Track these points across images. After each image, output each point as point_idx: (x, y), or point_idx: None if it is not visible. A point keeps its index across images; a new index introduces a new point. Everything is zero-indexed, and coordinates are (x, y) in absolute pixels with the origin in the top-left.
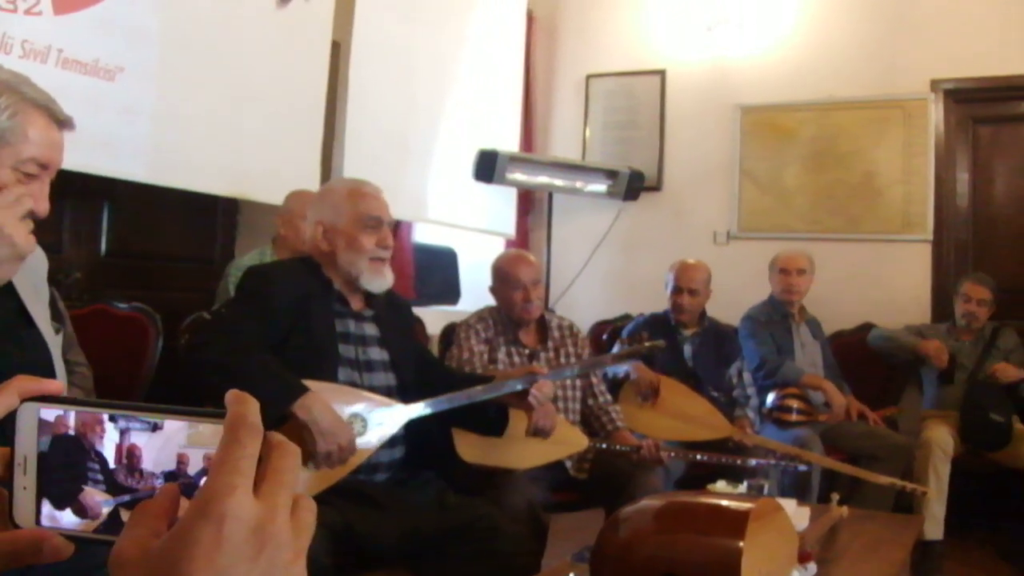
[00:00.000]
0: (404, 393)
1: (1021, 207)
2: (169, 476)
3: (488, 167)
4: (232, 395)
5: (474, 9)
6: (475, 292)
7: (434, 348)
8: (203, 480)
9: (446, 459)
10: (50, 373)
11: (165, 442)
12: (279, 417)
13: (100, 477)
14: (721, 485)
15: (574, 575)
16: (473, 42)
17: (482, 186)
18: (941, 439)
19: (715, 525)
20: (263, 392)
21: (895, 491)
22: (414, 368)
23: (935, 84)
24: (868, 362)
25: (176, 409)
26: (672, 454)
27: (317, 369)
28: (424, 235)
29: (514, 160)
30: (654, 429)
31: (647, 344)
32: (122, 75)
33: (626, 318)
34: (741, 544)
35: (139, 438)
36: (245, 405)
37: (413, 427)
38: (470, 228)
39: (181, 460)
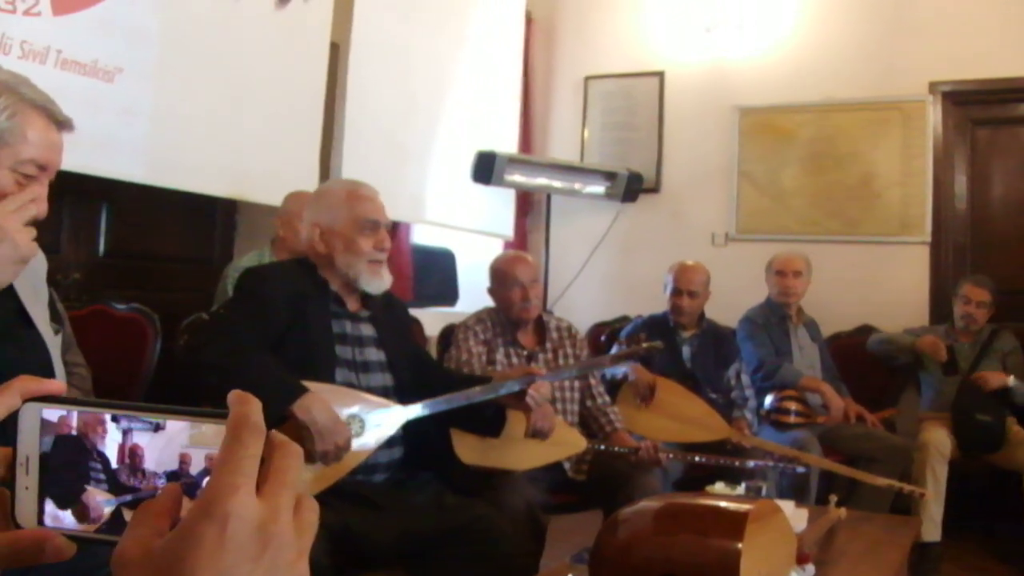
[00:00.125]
0: (401, 394)
1: (1019, 209)
2: (171, 476)
3: (486, 168)
4: (235, 395)
5: (473, 10)
6: (473, 293)
7: (432, 349)
8: (205, 480)
9: (444, 460)
10: (49, 374)
11: (167, 442)
12: (278, 417)
13: (102, 477)
14: (720, 487)
15: None
16: (472, 43)
17: (480, 187)
18: (938, 441)
19: (714, 526)
20: (262, 393)
21: (893, 493)
22: (411, 368)
23: (933, 86)
24: (866, 364)
25: (178, 409)
26: (670, 456)
27: (314, 370)
28: (422, 236)
29: (512, 161)
30: (652, 431)
31: (645, 345)
32: (121, 76)
33: (624, 320)
34: (740, 545)
35: (141, 438)
36: (248, 405)
37: (411, 428)
38: (468, 229)
39: (183, 460)
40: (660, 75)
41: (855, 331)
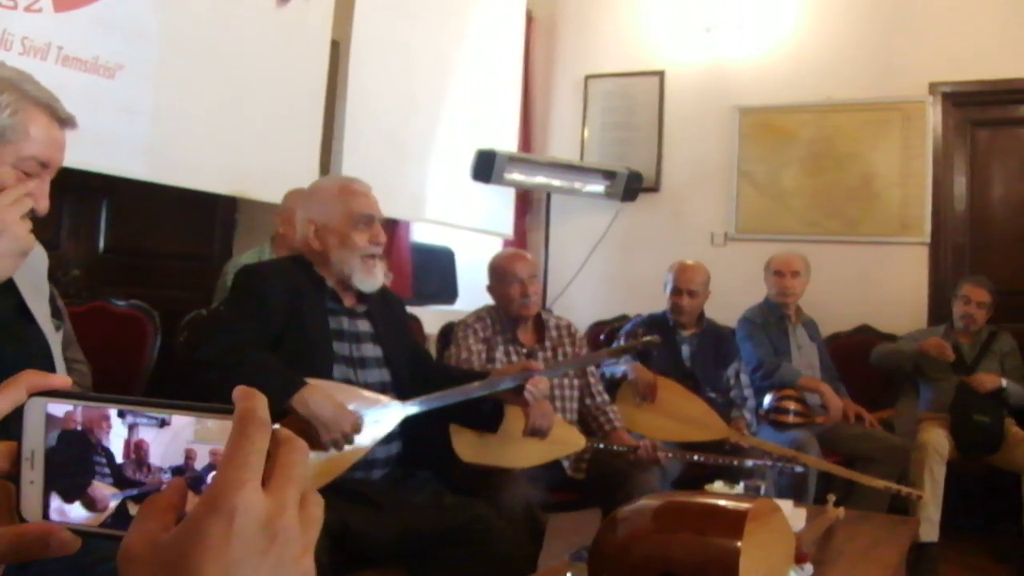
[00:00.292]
0: (399, 389)
1: (1018, 210)
2: (176, 471)
3: (486, 167)
4: (240, 391)
5: (473, 9)
6: (472, 292)
7: (432, 348)
8: (210, 475)
9: (443, 458)
10: (50, 369)
11: (173, 437)
12: (278, 412)
13: (107, 472)
14: (718, 485)
15: (571, 575)
16: (472, 42)
17: (480, 186)
18: (936, 441)
19: (713, 525)
20: (260, 389)
21: (891, 492)
22: (408, 364)
23: (933, 87)
24: (865, 364)
25: (184, 404)
26: (669, 454)
27: (312, 367)
28: (422, 235)
29: (512, 160)
30: (651, 429)
31: (642, 340)
32: (122, 73)
33: (623, 319)
34: (739, 544)
35: (147, 433)
36: (254, 401)
37: (409, 424)
38: (468, 228)
39: (189, 455)
40: (660, 75)
41: (854, 331)
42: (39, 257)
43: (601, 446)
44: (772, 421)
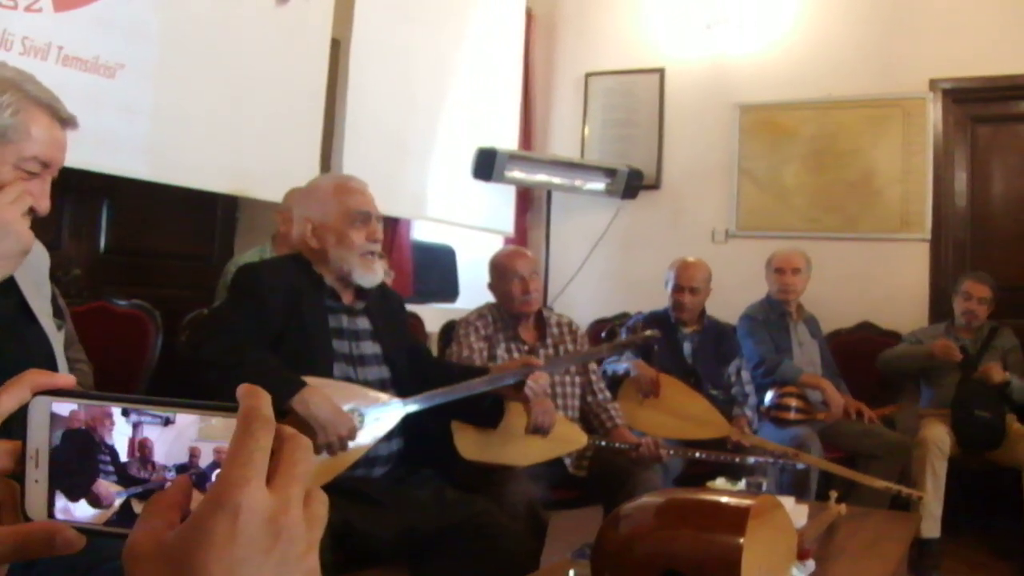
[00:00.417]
0: (399, 386)
1: (1019, 206)
2: (181, 469)
3: (487, 165)
4: (244, 389)
5: (473, 7)
6: (473, 290)
7: (433, 346)
8: (215, 473)
9: (445, 455)
10: (52, 369)
11: (177, 436)
12: (278, 412)
13: (111, 470)
14: (720, 482)
15: (574, 572)
16: (472, 40)
17: (481, 184)
18: (938, 438)
19: (716, 522)
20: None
21: (891, 493)
22: (408, 360)
23: (934, 83)
24: (866, 360)
25: (188, 403)
26: (671, 452)
27: (311, 365)
28: (423, 233)
29: (513, 158)
30: (653, 427)
31: (643, 335)
32: (122, 72)
33: (624, 316)
34: (741, 541)
35: (151, 432)
36: (258, 399)
37: (411, 420)
38: (469, 226)
39: (193, 453)
40: (660, 72)
41: (855, 328)
42: (41, 256)
43: (603, 443)
44: (773, 418)
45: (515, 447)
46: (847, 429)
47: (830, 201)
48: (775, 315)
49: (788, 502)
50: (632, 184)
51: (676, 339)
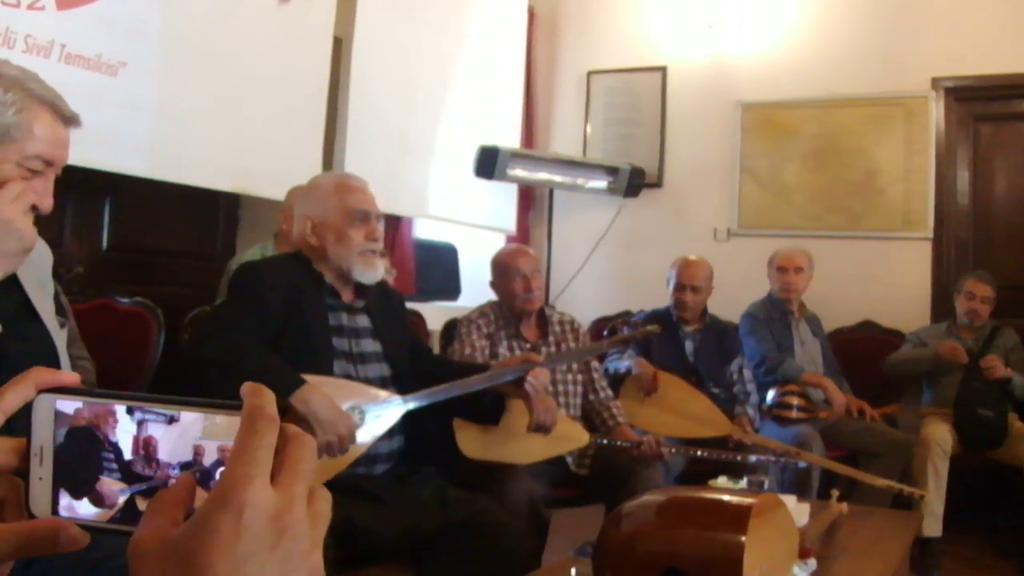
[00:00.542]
0: (399, 384)
1: (1021, 205)
2: (185, 467)
3: (489, 163)
4: (248, 387)
5: (475, 5)
6: (475, 288)
7: (435, 344)
8: (219, 471)
9: (447, 453)
10: (55, 367)
11: (181, 434)
12: (278, 410)
13: (115, 467)
14: (722, 481)
15: (576, 570)
16: (474, 38)
17: (483, 182)
18: (940, 436)
19: (717, 520)
20: None
21: (893, 492)
22: (408, 358)
23: (936, 82)
24: (868, 359)
25: (192, 401)
26: (672, 450)
27: (312, 363)
28: (425, 231)
29: (515, 156)
30: (655, 425)
31: (642, 330)
32: (124, 70)
33: (626, 315)
34: (743, 539)
35: (156, 430)
36: (262, 397)
37: (412, 418)
38: (471, 224)
39: (197, 452)
40: (662, 70)
41: (857, 326)
42: (43, 254)
43: (604, 442)
44: (775, 416)
45: (517, 445)
46: (849, 428)
47: (832, 200)
48: (777, 314)
49: (790, 501)
50: (634, 182)
51: (678, 338)
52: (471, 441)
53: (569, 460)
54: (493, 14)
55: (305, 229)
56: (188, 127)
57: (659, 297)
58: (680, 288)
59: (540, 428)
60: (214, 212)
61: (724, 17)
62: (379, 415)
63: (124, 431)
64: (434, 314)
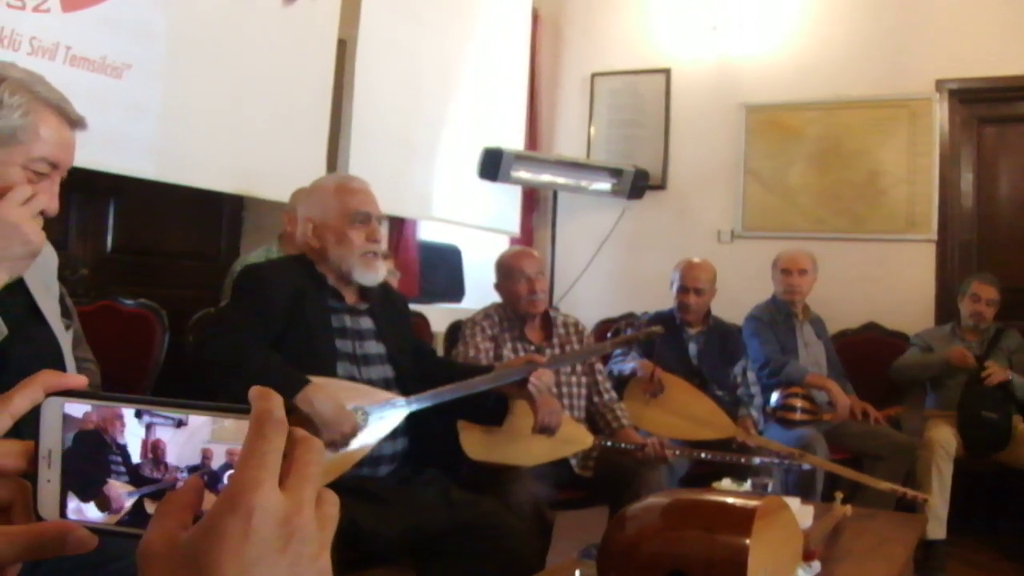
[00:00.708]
0: (403, 385)
1: None
2: (193, 471)
3: (493, 165)
4: (257, 391)
5: (480, 8)
6: (479, 290)
7: (439, 346)
8: (227, 474)
9: (450, 455)
10: (61, 369)
11: (190, 437)
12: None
13: (123, 471)
14: (726, 483)
15: (580, 572)
16: (478, 41)
17: (487, 184)
18: (944, 439)
19: (722, 522)
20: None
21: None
22: (411, 360)
23: (940, 84)
24: (872, 361)
25: (200, 404)
26: (676, 452)
27: (315, 365)
28: (429, 233)
29: (519, 158)
30: (659, 427)
31: (645, 330)
32: (129, 72)
33: (630, 316)
34: (747, 541)
35: (164, 433)
36: (270, 401)
37: (416, 420)
38: (475, 226)
39: (205, 455)
40: (666, 72)
41: (861, 328)
42: (49, 257)
43: (609, 444)
44: (779, 419)
45: (521, 447)
46: (853, 430)
47: (836, 202)
48: (781, 316)
49: (794, 503)
50: (638, 184)
51: (681, 340)
52: (475, 443)
53: (573, 462)
54: (497, 16)
55: (307, 231)
56: (193, 129)
57: (663, 299)
58: (684, 290)
59: (544, 429)
60: (218, 214)
61: (728, 19)
62: (383, 417)
63: (132, 434)
64: (438, 316)
